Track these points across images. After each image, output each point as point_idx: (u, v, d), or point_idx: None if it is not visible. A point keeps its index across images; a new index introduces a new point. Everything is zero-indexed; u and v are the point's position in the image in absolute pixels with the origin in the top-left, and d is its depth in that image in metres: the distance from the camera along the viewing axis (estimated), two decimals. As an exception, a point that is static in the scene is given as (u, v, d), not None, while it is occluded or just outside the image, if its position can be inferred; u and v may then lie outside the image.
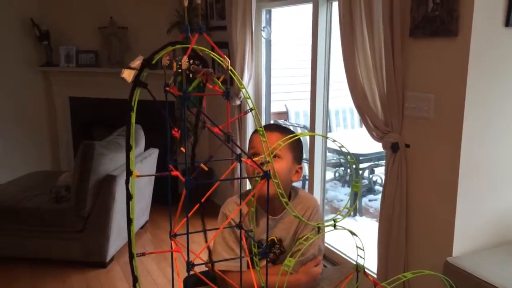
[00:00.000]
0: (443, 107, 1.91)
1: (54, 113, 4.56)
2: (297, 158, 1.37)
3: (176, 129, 0.75)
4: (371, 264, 2.32)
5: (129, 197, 0.73)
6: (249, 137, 1.43)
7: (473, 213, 1.95)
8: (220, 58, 0.72)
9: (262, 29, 3.46)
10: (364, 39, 2.13)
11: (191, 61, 0.70)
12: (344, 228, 0.92)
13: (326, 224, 0.89)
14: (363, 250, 0.93)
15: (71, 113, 4.55)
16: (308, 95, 3.00)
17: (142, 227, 3.63)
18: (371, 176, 4.45)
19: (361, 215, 4.12)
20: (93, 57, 4.36)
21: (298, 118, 5.15)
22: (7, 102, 4.30)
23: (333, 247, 2.94)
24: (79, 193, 2.88)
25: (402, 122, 2.09)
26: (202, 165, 0.72)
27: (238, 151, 0.80)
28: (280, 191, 0.81)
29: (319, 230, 0.87)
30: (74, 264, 3.02)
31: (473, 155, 1.88)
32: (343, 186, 4.80)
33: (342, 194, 4.61)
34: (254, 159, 0.79)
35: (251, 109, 0.78)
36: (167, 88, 0.77)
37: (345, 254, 2.87)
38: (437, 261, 1.96)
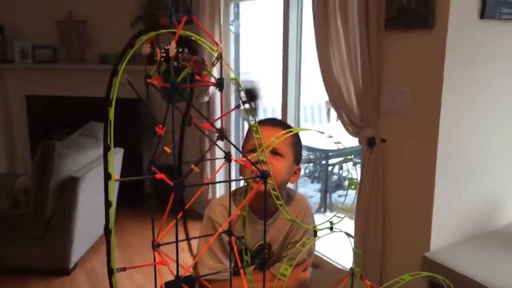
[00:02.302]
0: (419, 100, 1.89)
1: (9, 112, 4.29)
2: (298, 157, 1.30)
3: (160, 126, 0.66)
4: (346, 260, 2.29)
5: (108, 204, 0.64)
6: (247, 131, 1.33)
7: (450, 207, 1.94)
8: (211, 45, 0.64)
9: (231, 23, 3.37)
10: (338, 33, 2.08)
11: (180, 48, 0.61)
12: (341, 231, 0.85)
13: (322, 227, 0.82)
14: (360, 253, 0.87)
15: (28, 113, 4.29)
16: (278, 90, 2.94)
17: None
18: (340, 171, 4.46)
19: (331, 211, 4.11)
20: (51, 53, 4.14)
21: (266, 114, 5.09)
22: (-43, 101, 4.02)
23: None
24: (39, 197, 2.70)
25: (378, 116, 2.06)
26: (192, 166, 0.64)
27: (229, 150, 0.72)
28: (275, 193, 0.73)
29: (316, 233, 0.80)
30: (36, 272, 2.83)
31: (449, 149, 1.87)
32: (312, 182, 4.79)
33: (311, 190, 4.59)
34: (249, 156, 0.71)
35: (244, 102, 0.70)
36: (149, 80, 0.68)
37: (325, 256, 2.82)
38: (414, 256, 1.95)
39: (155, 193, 3.40)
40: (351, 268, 0.97)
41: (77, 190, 2.73)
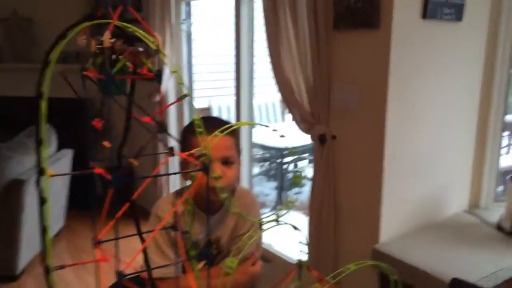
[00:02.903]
0: (367, 98, 1.94)
1: None
2: (240, 154, 1.30)
3: (98, 119, 0.64)
4: (297, 254, 2.32)
5: (42, 201, 0.61)
6: (182, 137, 1.30)
7: (398, 200, 2.01)
8: (148, 37, 0.63)
9: (182, 21, 3.33)
10: (288, 32, 2.10)
11: (114, 39, 0.60)
12: (287, 223, 0.86)
13: (268, 219, 0.82)
14: (307, 245, 0.88)
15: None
16: (231, 90, 2.94)
17: (56, 235, 3.34)
18: (295, 169, 4.51)
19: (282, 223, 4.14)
20: (-6, 51, 3.94)
21: (221, 114, 5.08)
22: None
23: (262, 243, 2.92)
24: (-18, 202, 2.57)
25: (328, 113, 2.10)
26: (132, 160, 0.63)
27: (169, 144, 0.71)
28: (219, 186, 0.73)
29: (261, 226, 0.81)
30: (-20, 280, 2.70)
31: (396, 144, 1.94)
32: (268, 180, 4.82)
33: (267, 188, 4.62)
34: (192, 152, 0.70)
35: (185, 95, 0.69)
36: (85, 73, 0.66)
37: (275, 250, 2.86)
38: (365, 248, 2.00)
39: (95, 190, 3.32)
40: (298, 260, 0.99)
41: (22, 194, 2.62)
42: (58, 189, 3.17)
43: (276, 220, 0.84)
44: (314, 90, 2.07)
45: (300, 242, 0.89)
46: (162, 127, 0.62)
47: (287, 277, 1.02)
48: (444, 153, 2.16)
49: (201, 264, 0.87)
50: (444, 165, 2.17)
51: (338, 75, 2.04)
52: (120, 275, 0.62)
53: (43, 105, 0.58)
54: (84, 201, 3.72)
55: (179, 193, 1.28)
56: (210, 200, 1.16)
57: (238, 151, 1.28)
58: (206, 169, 0.67)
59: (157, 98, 3.27)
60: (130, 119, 0.69)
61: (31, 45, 3.93)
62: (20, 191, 2.62)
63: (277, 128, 0.89)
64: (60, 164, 3.12)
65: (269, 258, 2.81)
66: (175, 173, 0.95)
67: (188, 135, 1.24)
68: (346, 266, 0.93)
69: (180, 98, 0.70)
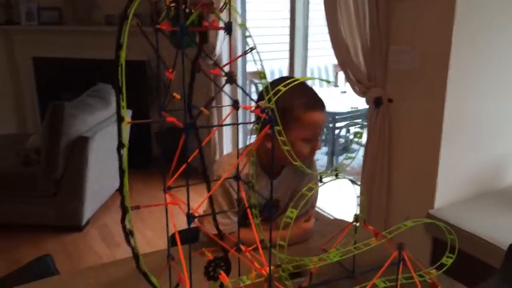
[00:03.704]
0: (427, 59, 1.88)
1: (17, 74, 4.31)
2: None
3: (171, 70, 0.68)
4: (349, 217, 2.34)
5: (121, 145, 0.66)
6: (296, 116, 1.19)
7: (456, 166, 1.96)
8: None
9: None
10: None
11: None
12: (345, 177, 0.88)
13: (328, 173, 0.85)
14: (364, 198, 0.90)
15: (35, 74, 4.31)
16: (285, 54, 2.92)
17: (117, 190, 3.53)
18: (347, 134, 4.46)
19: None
20: (56, 15, 4.10)
21: (274, 77, 5.06)
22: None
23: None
24: (50, 156, 2.76)
25: (385, 76, 2.06)
26: (202, 108, 0.66)
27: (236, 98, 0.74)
28: (282, 139, 0.75)
29: (321, 179, 0.83)
30: (49, 228, 2.93)
31: (456, 109, 1.87)
32: (319, 145, 4.81)
33: (318, 153, 4.61)
34: (257, 104, 0.72)
35: (251, 48, 0.71)
36: (158, 26, 0.69)
37: (325, 212, 2.89)
38: (419, 213, 1.98)
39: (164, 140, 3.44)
40: (355, 215, 1.01)
41: (87, 150, 2.78)
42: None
43: (336, 175, 0.86)
44: (371, 52, 2.02)
45: (359, 197, 0.91)
46: (231, 78, 0.65)
47: (343, 231, 1.04)
48: (507, 121, 2.06)
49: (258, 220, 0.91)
50: (506, 133, 2.08)
51: (397, 38, 1.98)
52: (190, 216, 0.67)
53: (122, 55, 0.62)
54: (140, 161, 3.91)
55: (241, 149, 1.31)
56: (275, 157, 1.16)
57: None
58: (271, 120, 0.69)
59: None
60: (197, 71, 0.72)
61: (92, 8, 4.06)
62: (84, 148, 2.78)
63: (334, 90, 0.89)
64: (120, 123, 3.26)
65: (316, 217, 2.86)
66: (239, 124, 0.97)
67: (291, 104, 1.14)
68: (402, 223, 0.94)
69: (246, 52, 0.72)
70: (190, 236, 1.04)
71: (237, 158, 0.78)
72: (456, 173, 1.98)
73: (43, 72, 4.29)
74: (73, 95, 3.20)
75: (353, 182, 0.90)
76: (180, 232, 0.92)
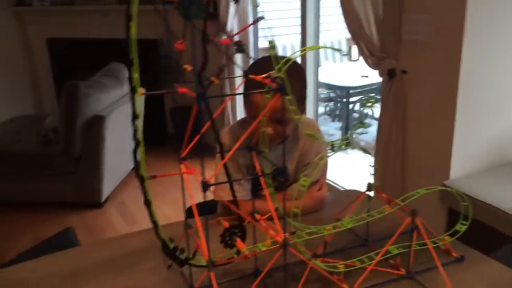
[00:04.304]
0: (442, 28, 1.84)
1: (32, 55, 4.35)
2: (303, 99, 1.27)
3: (181, 41, 0.68)
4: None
5: (135, 116, 0.68)
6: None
7: (471, 137, 1.95)
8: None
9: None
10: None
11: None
12: (356, 147, 0.89)
13: (340, 142, 0.85)
14: (376, 168, 0.90)
15: (50, 55, 4.35)
16: (296, 29, 2.89)
17: (134, 168, 3.59)
18: (361, 109, 4.43)
19: (352, 149, 4.13)
20: (67, -6, 4.11)
21: (286, 53, 5.02)
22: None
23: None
24: (68, 135, 2.81)
25: (399, 47, 2.03)
26: (213, 78, 0.67)
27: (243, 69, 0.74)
28: (293, 108, 0.76)
29: (333, 148, 0.84)
30: (70, 205, 3.01)
31: (471, 79, 1.84)
32: (333, 120, 4.80)
33: (332, 128, 4.61)
34: (264, 76, 0.73)
35: (261, 17, 0.71)
36: (167, -3, 0.69)
37: (336, 184, 2.90)
38: (434, 184, 1.96)
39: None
40: (368, 183, 1.02)
41: (103, 128, 2.83)
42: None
43: (347, 144, 0.87)
44: (384, 22, 1.99)
45: (371, 166, 0.92)
46: (240, 47, 0.65)
47: (356, 200, 1.05)
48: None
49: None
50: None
51: (410, 4, 1.94)
52: (205, 184, 0.68)
53: (133, 26, 0.62)
54: (155, 139, 3.94)
55: (242, 122, 1.32)
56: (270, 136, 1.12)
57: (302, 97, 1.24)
58: (281, 89, 0.70)
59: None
60: (208, 41, 0.72)
61: (102, -14, 4.05)
62: (100, 126, 2.83)
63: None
64: (134, 102, 3.29)
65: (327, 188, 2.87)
66: (250, 92, 0.96)
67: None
68: (416, 191, 0.94)
69: (256, 21, 0.72)
70: (207, 208, 1.06)
71: (235, 134, 0.79)
72: (471, 144, 1.97)
73: (57, 52, 4.32)
74: (87, 75, 3.23)
75: (364, 150, 0.91)
76: (198, 204, 0.94)
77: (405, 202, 0.95)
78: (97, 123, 2.82)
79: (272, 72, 0.76)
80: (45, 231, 2.74)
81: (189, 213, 1.18)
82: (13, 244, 2.64)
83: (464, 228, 1.06)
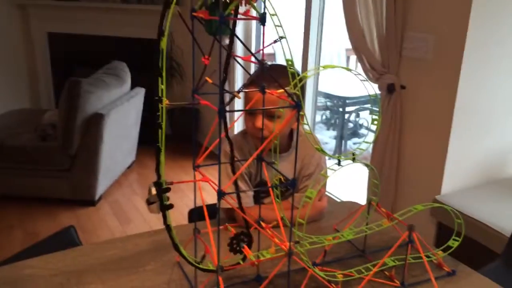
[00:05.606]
0: (442, 48, 1.90)
1: (32, 49, 4.35)
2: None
3: (207, 57, 0.72)
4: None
5: (159, 126, 0.72)
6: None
7: (464, 153, 2.01)
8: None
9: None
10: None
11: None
12: (362, 162, 0.93)
13: (346, 157, 0.90)
14: (378, 183, 0.95)
15: (50, 50, 4.35)
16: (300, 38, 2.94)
17: (129, 167, 3.62)
18: (357, 119, 4.50)
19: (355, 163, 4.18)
20: (72, -10, 4.12)
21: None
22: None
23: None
24: (66, 132, 2.82)
25: (399, 63, 2.09)
26: (235, 93, 0.71)
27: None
28: (306, 125, 0.80)
29: (339, 162, 0.88)
30: (63, 202, 3.02)
31: (468, 97, 1.91)
32: (328, 129, 4.85)
33: (327, 137, 4.66)
34: (280, 91, 0.77)
35: (281, 38, 0.75)
36: (195, 13, 0.73)
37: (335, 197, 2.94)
38: (426, 199, 2.03)
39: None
40: (368, 197, 1.06)
41: (102, 126, 2.85)
42: (131, 126, 3.39)
43: (353, 159, 0.91)
44: (386, 39, 2.05)
45: (372, 181, 0.96)
46: (263, 65, 0.69)
47: (356, 212, 1.10)
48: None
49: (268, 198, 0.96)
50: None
51: (412, 23, 2.00)
52: (221, 193, 0.72)
53: (164, 41, 0.66)
54: (151, 138, 3.95)
55: (243, 133, 1.36)
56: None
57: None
58: (298, 106, 0.74)
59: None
60: (231, 56, 0.76)
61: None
62: (99, 124, 2.84)
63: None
64: (134, 101, 3.31)
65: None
66: (265, 109, 0.99)
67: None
68: (413, 206, 0.99)
69: (276, 41, 0.76)
70: (208, 213, 1.10)
71: (262, 141, 0.83)
72: (464, 160, 2.03)
73: (58, 47, 4.33)
74: (87, 71, 3.24)
75: (367, 165, 0.96)
76: (196, 209, 0.98)
77: (403, 217, 1.00)
78: (96, 121, 2.84)
79: (289, 87, 0.80)
80: (36, 227, 2.74)
81: (191, 216, 1.22)
82: (3, 238, 2.64)
83: (456, 244, 1.11)
